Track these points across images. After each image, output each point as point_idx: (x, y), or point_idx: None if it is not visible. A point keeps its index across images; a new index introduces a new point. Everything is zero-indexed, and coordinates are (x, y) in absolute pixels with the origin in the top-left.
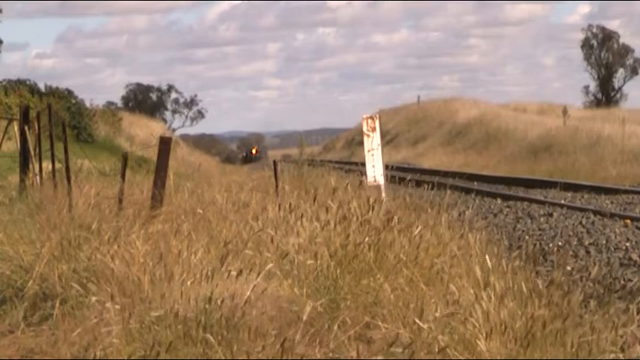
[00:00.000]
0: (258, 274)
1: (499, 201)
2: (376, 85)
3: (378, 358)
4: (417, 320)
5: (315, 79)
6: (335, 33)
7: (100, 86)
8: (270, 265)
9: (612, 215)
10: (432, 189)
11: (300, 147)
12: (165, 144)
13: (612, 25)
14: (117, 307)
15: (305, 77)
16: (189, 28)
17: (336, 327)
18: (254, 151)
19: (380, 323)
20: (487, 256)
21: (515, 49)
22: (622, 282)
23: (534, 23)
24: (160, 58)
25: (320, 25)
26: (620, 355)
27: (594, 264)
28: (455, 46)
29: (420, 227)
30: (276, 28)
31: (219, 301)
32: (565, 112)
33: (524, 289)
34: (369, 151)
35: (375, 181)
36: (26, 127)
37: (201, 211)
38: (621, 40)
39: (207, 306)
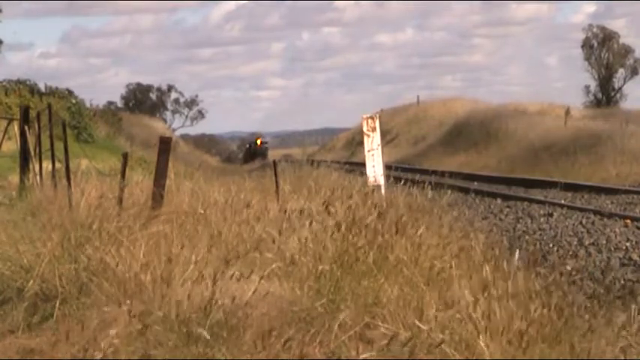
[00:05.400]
0: (260, 275)
1: (499, 201)
2: (379, 85)
3: (378, 358)
4: (417, 321)
5: (319, 79)
6: (340, 33)
7: (103, 86)
8: (272, 266)
9: (612, 215)
10: (433, 189)
11: (301, 147)
12: (165, 144)
13: (617, 24)
14: (117, 307)
15: (308, 77)
16: (194, 27)
17: (336, 327)
18: (259, 142)
19: (380, 323)
20: (487, 257)
21: (519, 49)
22: (621, 282)
23: (539, 23)
24: (164, 57)
25: (326, 25)
26: (620, 356)
27: (594, 264)
28: (459, 45)
29: (420, 227)
30: (281, 27)
31: (219, 302)
32: (568, 112)
33: (524, 290)
34: (369, 151)
35: (375, 181)
36: (26, 127)
37: (202, 212)
38: (621, 40)
39: (207, 307)
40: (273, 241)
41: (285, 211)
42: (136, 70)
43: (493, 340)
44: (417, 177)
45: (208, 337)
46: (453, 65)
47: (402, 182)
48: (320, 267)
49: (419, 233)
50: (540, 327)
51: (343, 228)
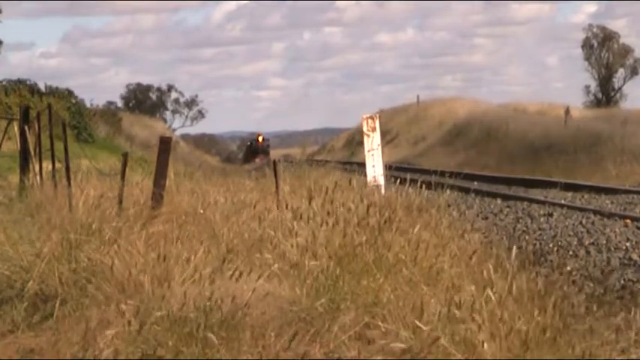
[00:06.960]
0: (259, 274)
1: (499, 201)
2: (379, 85)
3: (378, 358)
4: (417, 321)
5: (319, 79)
6: (341, 33)
7: (103, 86)
8: (273, 267)
9: (612, 215)
10: (432, 189)
11: (301, 147)
12: (165, 144)
13: (617, 24)
14: (117, 307)
15: (309, 77)
16: (195, 27)
17: (336, 327)
18: (260, 140)
19: (380, 323)
20: (487, 257)
21: (520, 49)
22: (622, 282)
23: (540, 23)
24: (165, 57)
25: (326, 25)
26: (621, 356)
27: (594, 264)
28: (459, 45)
29: (419, 227)
30: (282, 27)
31: (219, 302)
32: (567, 112)
33: (524, 290)
34: (369, 151)
35: (375, 180)
36: (26, 127)
37: (202, 211)
38: (621, 40)
39: (207, 306)
40: (272, 241)
41: (286, 207)
42: (137, 70)
43: (493, 340)
44: (417, 177)
45: (208, 337)
46: (454, 65)
47: (402, 182)
48: (319, 266)
49: (415, 231)
50: (540, 327)
51: (342, 227)
